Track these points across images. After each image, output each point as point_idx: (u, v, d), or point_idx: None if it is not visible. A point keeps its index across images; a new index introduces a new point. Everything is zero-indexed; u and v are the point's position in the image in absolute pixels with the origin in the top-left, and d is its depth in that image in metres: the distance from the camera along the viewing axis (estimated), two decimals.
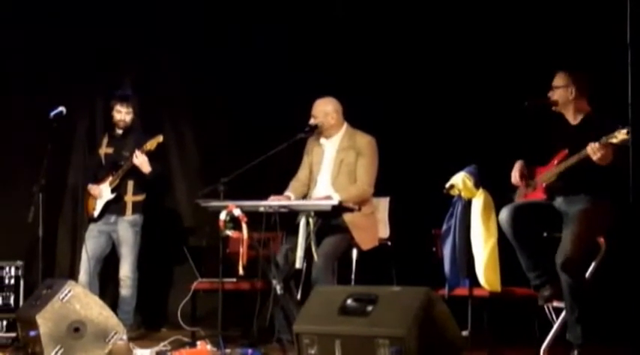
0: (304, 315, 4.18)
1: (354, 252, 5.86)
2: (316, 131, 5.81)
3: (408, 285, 4.10)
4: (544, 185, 5.01)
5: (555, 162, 4.97)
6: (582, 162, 4.75)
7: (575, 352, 4.73)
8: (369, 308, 3.93)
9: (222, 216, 5.28)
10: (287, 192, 5.83)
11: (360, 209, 5.54)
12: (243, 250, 5.28)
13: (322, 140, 5.86)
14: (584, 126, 4.94)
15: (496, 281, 5.03)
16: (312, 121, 5.79)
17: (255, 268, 5.53)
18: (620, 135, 4.53)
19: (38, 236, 6.06)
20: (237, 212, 5.25)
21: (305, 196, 5.85)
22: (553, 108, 5.05)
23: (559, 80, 5.03)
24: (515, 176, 5.13)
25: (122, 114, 6.66)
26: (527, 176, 5.11)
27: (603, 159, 4.64)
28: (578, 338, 4.72)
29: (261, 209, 5.36)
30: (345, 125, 5.86)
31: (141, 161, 6.44)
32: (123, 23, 7.37)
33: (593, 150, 4.65)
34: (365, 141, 5.76)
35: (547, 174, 5.00)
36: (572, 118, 5.05)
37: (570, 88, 4.99)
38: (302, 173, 5.95)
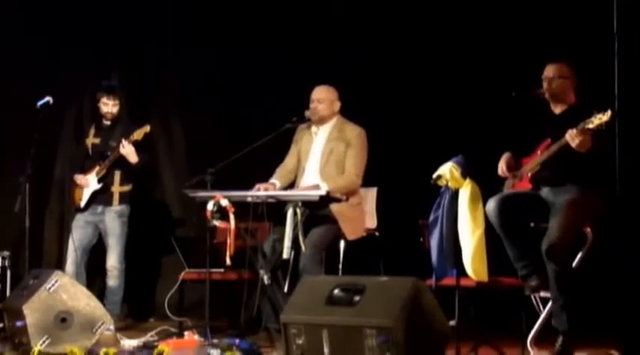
0: (291, 305, 4.18)
1: (342, 243, 5.86)
2: (306, 120, 5.81)
3: (395, 275, 4.09)
4: (529, 175, 5.03)
5: (539, 151, 5.00)
6: (564, 150, 4.75)
7: (561, 338, 4.75)
8: (357, 298, 3.92)
9: (210, 206, 5.27)
10: (272, 180, 5.83)
11: (347, 199, 5.54)
12: (230, 240, 5.27)
13: (313, 128, 5.86)
14: (567, 115, 4.95)
15: (483, 271, 5.02)
16: (313, 106, 5.76)
17: (242, 258, 5.53)
18: (596, 120, 4.55)
19: (25, 226, 6.05)
20: (224, 202, 5.25)
21: (292, 184, 5.85)
22: (545, 97, 5.05)
23: (562, 71, 5.02)
24: (501, 167, 5.15)
25: (109, 106, 6.63)
26: (514, 167, 5.13)
27: (582, 146, 4.64)
28: (564, 324, 4.74)
29: (249, 199, 5.35)
30: (337, 115, 5.86)
31: (128, 151, 6.41)
32: (110, 14, 7.34)
33: (571, 137, 4.66)
34: (354, 133, 5.76)
35: (531, 164, 5.02)
36: (557, 108, 5.06)
37: (571, 80, 5.01)
38: (289, 160, 5.94)
